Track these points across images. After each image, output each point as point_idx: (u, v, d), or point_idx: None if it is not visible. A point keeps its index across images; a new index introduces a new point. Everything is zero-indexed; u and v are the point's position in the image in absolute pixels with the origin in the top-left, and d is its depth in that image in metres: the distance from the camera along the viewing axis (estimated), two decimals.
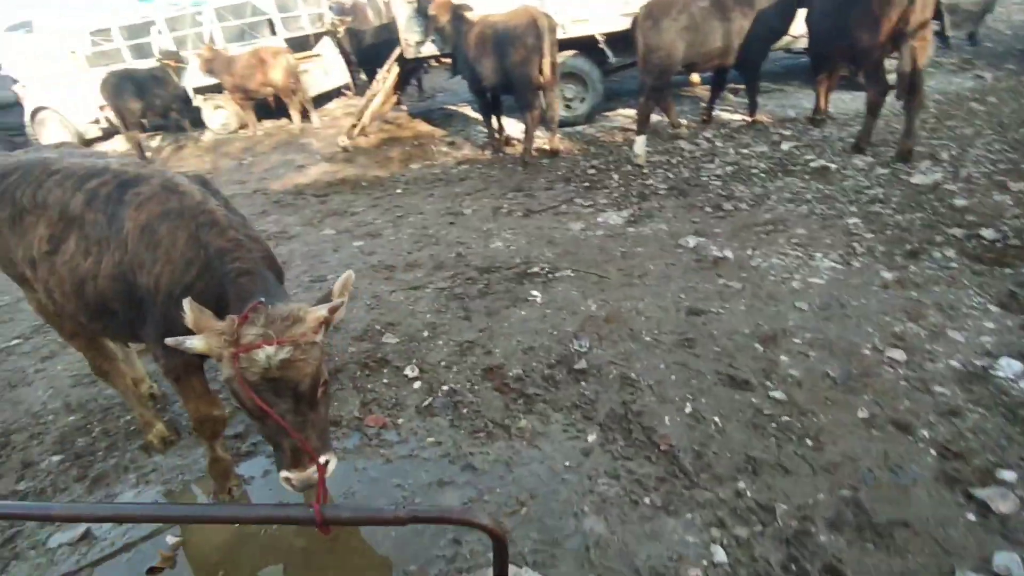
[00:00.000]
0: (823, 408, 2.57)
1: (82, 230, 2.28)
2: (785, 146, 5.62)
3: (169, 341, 1.69)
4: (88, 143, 11.47)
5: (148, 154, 9.46)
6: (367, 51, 10.69)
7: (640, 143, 5.75)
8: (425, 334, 3.56)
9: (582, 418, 2.76)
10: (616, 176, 5.62)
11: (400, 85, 9.37)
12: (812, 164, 5.10)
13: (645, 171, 5.61)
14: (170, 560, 2.42)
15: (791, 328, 3.10)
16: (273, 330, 1.68)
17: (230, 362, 1.65)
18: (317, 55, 10.93)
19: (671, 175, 5.42)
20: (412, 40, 7.31)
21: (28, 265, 2.44)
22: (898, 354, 2.80)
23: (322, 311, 1.75)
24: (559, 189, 5.57)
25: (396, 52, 7.61)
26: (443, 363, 3.28)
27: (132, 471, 2.88)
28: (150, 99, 9.20)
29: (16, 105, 11.63)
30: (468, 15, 6.42)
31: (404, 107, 10.14)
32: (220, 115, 10.67)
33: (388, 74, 7.86)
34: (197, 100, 10.59)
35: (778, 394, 2.67)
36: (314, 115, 10.05)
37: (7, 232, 2.45)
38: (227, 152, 9.32)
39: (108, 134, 11.27)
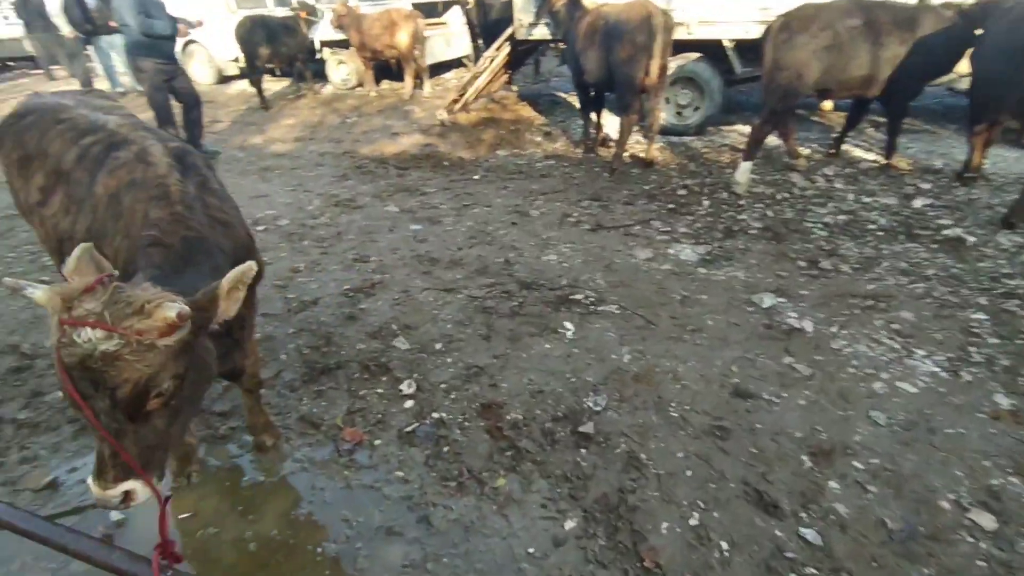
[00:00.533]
0: (865, 570, 1.97)
1: (68, 187, 2.13)
2: (918, 203, 4.67)
3: (7, 281, 1.42)
4: (225, 79, 12.13)
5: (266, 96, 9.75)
6: (492, 25, 10.36)
7: (745, 170, 5.03)
8: (438, 346, 3.23)
9: (568, 495, 2.32)
10: (707, 202, 4.94)
11: (513, 65, 9.00)
12: (945, 232, 4.18)
13: (742, 202, 4.89)
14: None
15: (856, 445, 2.45)
16: (110, 313, 1.33)
17: (56, 330, 1.34)
18: (443, 23, 10.78)
19: (770, 213, 4.68)
20: (525, 20, 6.88)
21: (28, 211, 2.36)
22: (987, 520, 2.10)
23: (171, 312, 1.37)
24: (639, 206, 4.99)
25: (508, 31, 7.23)
26: (444, 385, 2.94)
27: None
28: (277, 46, 9.44)
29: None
30: (585, 1, 5.87)
31: (514, 88, 9.77)
32: (342, 70, 10.82)
33: (497, 52, 7.50)
34: (324, 53, 10.80)
35: (811, 534, 2.08)
36: (427, 84, 9.93)
37: (15, 173, 2.37)
38: (338, 108, 9.42)
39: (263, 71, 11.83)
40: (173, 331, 1.40)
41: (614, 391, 2.82)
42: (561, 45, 7.68)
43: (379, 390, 2.95)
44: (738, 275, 3.80)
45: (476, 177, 5.95)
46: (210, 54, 11.75)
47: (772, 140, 5.61)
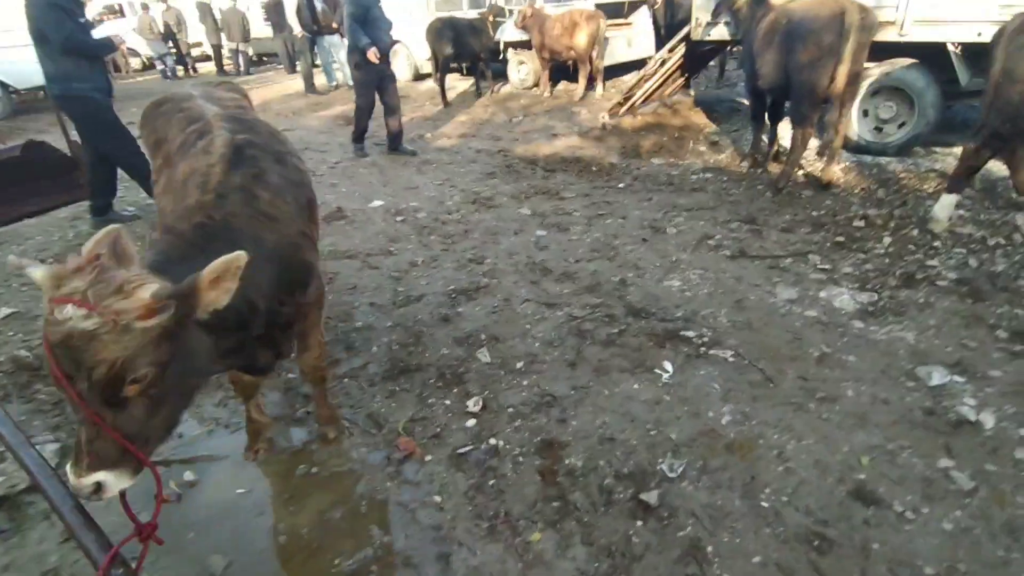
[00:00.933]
0: None
1: (170, 170, 2.26)
2: None
3: (11, 259, 1.43)
4: (421, 77, 12.99)
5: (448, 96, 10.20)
6: (678, 26, 9.63)
7: (948, 203, 3.98)
8: (519, 365, 2.98)
9: (606, 573, 1.94)
10: (888, 239, 4.01)
11: (691, 67, 8.31)
12: None
13: (937, 244, 3.88)
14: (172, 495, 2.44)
15: None
16: (92, 292, 1.30)
17: (47, 308, 1.34)
18: (627, 23, 10.35)
19: (973, 262, 3.64)
20: (703, 20, 6.24)
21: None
22: None
23: (146, 293, 1.32)
24: (798, 235, 4.21)
25: (684, 31, 6.64)
26: (511, 410, 2.69)
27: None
28: (462, 47, 9.80)
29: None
30: None
31: (692, 92, 9.03)
32: (522, 70, 10.94)
33: (671, 54, 6.94)
34: (509, 53, 11.02)
35: None
36: (599, 85, 9.62)
37: (152, 155, 2.60)
38: (509, 107, 9.53)
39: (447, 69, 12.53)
40: (152, 314, 1.34)
41: (698, 457, 2.34)
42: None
43: (447, 401, 2.79)
44: (906, 337, 2.98)
45: (621, 185, 5.54)
46: (409, 53, 12.66)
47: (997, 168, 4.40)
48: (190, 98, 2.44)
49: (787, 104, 5.00)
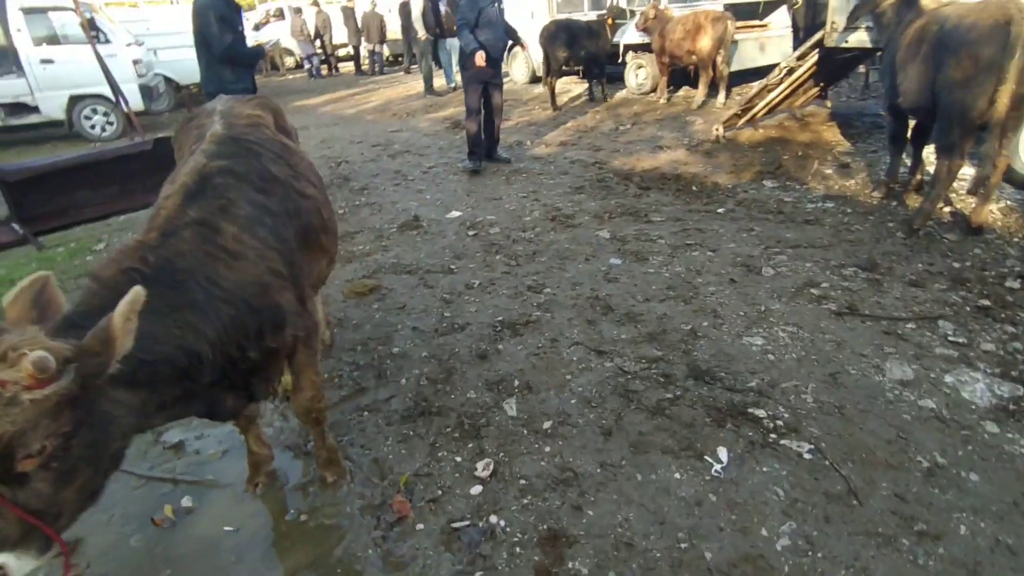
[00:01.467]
0: None
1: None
2: None
3: None
4: (537, 79, 12.69)
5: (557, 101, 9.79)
6: (819, 28, 8.55)
7: None
8: (546, 425, 2.57)
9: None
10: None
11: (828, 76, 7.22)
12: None
13: None
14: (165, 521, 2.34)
15: None
16: None
17: None
18: (761, 26, 9.31)
19: None
20: (839, 23, 5.30)
21: None
22: None
23: (27, 362, 1.13)
24: (930, 292, 3.35)
25: (816, 36, 5.70)
26: (523, 482, 2.29)
27: None
28: (576, 50, 9.34)
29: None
30: (924, 0, 4.15)
31: (828, 103, 7.89)
32: (640, 75, 10.25)
33: (800, 62, 6.02)
34: (627, 57, 10.38)
35: None
36: (722, 94, 8.73)
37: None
38: (619, 113, 8.95)
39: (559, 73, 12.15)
40: (44, 384, 1.17)
41: None
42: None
43: (458, 458, 2.46)
44: None
45: (720, 210, 4.85)
46: (528, 55, 12.40)
47: None
48: (210, 114, 2.31)
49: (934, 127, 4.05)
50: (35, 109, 9.25)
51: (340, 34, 17.84)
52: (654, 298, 3.54)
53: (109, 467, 1.43)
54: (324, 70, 17.90)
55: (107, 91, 7.86)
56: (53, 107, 9.32)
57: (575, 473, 2.30)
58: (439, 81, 12.53)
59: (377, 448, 2.57)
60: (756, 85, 7.00)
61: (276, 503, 2.38)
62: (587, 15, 10.64)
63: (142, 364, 1.40)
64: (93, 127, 9.65)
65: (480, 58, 5.83)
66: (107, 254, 1.58)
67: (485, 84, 6.25)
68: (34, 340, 1.21)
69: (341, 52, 19.08)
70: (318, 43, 17.69)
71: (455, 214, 5.19)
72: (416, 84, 13.27)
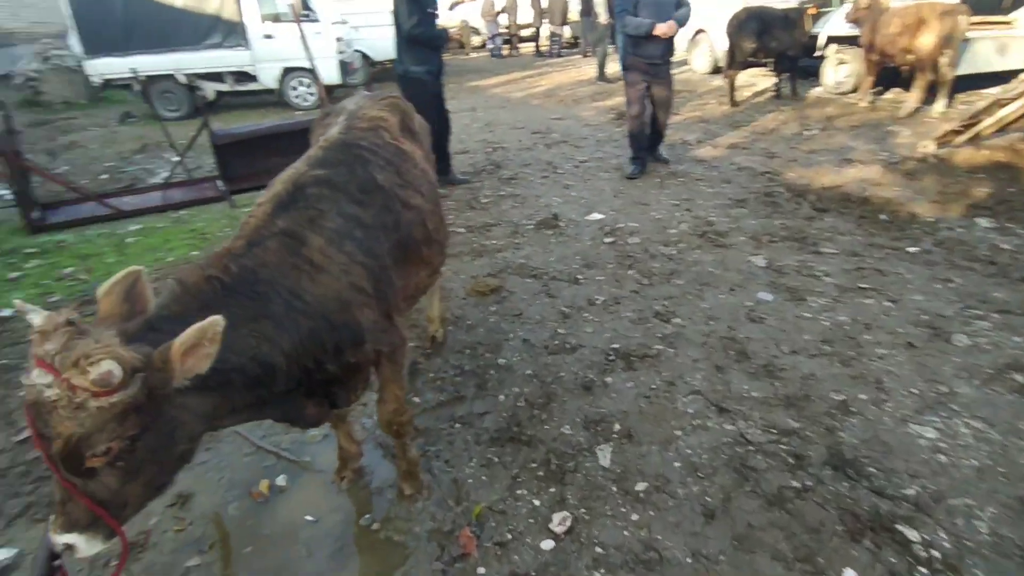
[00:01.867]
0: None
1: None
2: None
3: (16, 303, 1.35)
4: (718, 70, 11.61)
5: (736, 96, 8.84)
6: None
7: None
8: (639, 487, 2.25)
9: None
10: None
11: None
12: None
13: None
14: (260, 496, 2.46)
15: None
16: (59, 359, 1.18)
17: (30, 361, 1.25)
18: (1005, 22, 7.50)
19: None
20: None
21: None
22: None
23: (95, 373, 1.16)
24: None
25: None
26: (599, 550, 2.02)
27: None
28: (767, 40, 8.29)
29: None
30: None
31: None
32: (840, 71, 8.88)
33: None
34: (828, 50, 9.03)
35: None
36: (942, 100, 7.23)
37: None
38: (808, 116, 7.85)
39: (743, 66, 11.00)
40: (111, 392, 1.19)
41: None
42: None
43: (536, 501, 2.25)
44: None
45: (912, 249, 3.97)
46: (712, 44, 11.38)
47: None
48: (339, 112, 2.29)
49: None
50: (254, 78, 10.58)
51: (526, 15, 17.97)
52: (803, 351, 2.97)
53: (176, 465, 1.45)
54: (505, 50, 18.19)
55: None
56: (269, 77, 10.60)
57: (660, 556, 1.98)
58: (613, 67, 12.04)
59: (460, 467, 2.45)
60: (988, 94, 5.61)
61: (357, 501, 2.38)
62: (787, 1, 9.40)
63: (214, 371, 1.39)
64: (297, 97, 10.79)
65: (664, 28, 5.16)
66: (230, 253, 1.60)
67: (649, 80, 5.67)
68: (107, 348, 1.22)
69: (524, 33, 19.25)
70: (504, 21, 17.97)
71: (596, 216, 4.89)
72: (590, 69, 12.89)
